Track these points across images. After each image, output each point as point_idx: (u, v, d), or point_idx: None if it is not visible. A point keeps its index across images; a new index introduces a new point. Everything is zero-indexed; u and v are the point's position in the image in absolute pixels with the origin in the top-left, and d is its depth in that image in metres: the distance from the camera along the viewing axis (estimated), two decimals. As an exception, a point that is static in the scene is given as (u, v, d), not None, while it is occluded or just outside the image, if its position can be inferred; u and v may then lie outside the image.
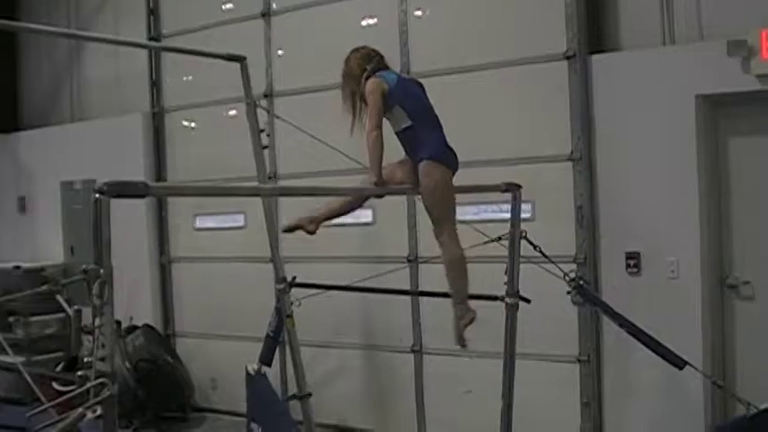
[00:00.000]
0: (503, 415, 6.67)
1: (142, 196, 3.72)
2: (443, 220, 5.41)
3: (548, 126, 7.97)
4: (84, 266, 3.48)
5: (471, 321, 5.62)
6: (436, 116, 5.50)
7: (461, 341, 5.72)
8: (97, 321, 3.44)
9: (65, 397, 3.59)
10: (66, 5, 12.20)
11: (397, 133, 5.41)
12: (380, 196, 5.50)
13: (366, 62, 5.57)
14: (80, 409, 3.34)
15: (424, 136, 5.31)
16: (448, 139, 5.50)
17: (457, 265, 5.50)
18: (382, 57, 5.72)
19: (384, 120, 5.37)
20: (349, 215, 9.03)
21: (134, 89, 11.21)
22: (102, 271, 3.42)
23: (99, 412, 3.41)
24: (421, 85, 5.66)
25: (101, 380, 3.39)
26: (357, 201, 5.69)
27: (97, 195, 3.44)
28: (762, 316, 7.34)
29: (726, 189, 7.49)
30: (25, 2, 12.85)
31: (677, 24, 7.57)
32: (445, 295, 7.42)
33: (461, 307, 5.59)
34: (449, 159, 5.34)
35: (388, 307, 8.79)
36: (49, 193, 12.04)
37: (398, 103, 5.32)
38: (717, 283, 7.50)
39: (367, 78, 5.45)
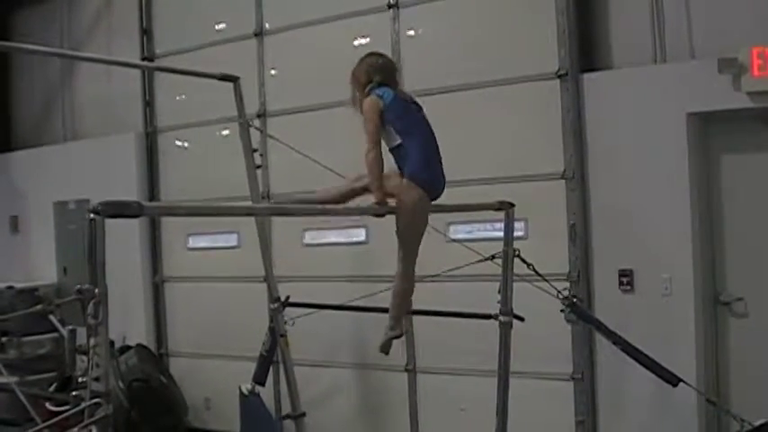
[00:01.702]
0: (497, 433, 6.68)
1: (137, 216, 3.73)
2: (405, 241, 5.43)
3: (540, 144, 7.99)
4: (78, 286, 3.49)
5: (398, 336, 5.75)
6: (428, 137, 5.46)
7: (384, 348, 5.78)
8: (92, 341, 3.44)
9: (60, 417, 3.59)
10: (58, 25, 12.21)
11: (390, 150, 5.40)
12: (382, 216, 5.48)
13: (375, 73, 5.51)
14: (75, 430, 3.35)
15: (411, 153, 5.30)
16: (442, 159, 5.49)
17: (403, 287, 5.60)
18: (394, 71, 5.65)
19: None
20: (342, 234, 9.18)
21: (127, 109, 11.20)
22: (96, 291, 3.42)
23: (94, 432, 3.41)
24: (419, 106, 5.62)
25: (96, 400, 3.40)
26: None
27: (92, 215, 3.44)
28: (755, 332, 7.34)
29: (718, 206, 7.51)
30: (17, 22, 12.86)
31: (668, 42, 7.61)
32: (438, 314, 7.49)
33: (392, 321, 5.69)
34: (428, 183, 5.30)
35: (382, 326, 8.75)
36: (42, 212, 12.02)
37: (390, 122, 5.32)
38: (710, 299, 7.51)
39: (367, 94, 5.44)
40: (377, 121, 5.29)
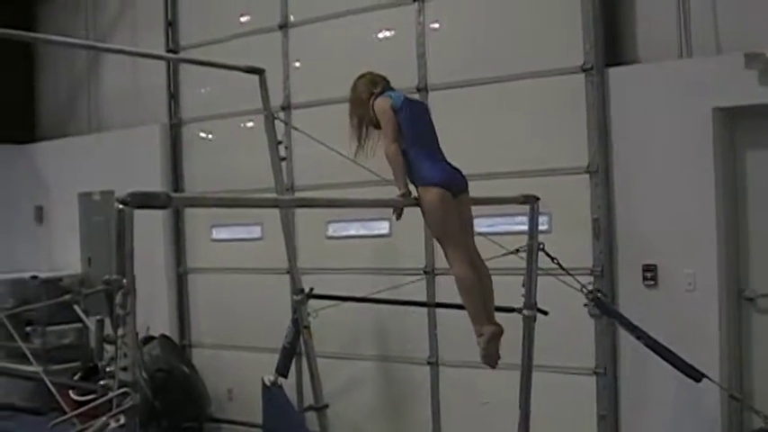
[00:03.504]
0: (520, 427, 6.69)
1: (164, 207, 3.75)
2: (443, 241, 5.43)
3: (564, 138, 7.97)
4: (106, 277, 3.51)
5: (492, 338, 5.48)
6: (434, 142, 5.52)
7: (487, 360, 5.55)
8: (120, 331, 3.47)
9: (88, 406, 3.62)
10: (84, 17, 12.28)
11: None
12: (401, 210, 5.49)
13: (373, 87, 5.65)
14: (103, 419, 3.37)
15: (415, 161, 5.33)
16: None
17: (459, 286, 5.46)
18: (388, 81, 5.76)
19: None
20: (365, 227, 9.19)
21: (152, 101, 11.26)
22: (125, 281, 3.44)
23: (121, 421, 3.43)
24: (426, 108, 5.73)
25: (124, 389, 3.42)
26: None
27: (120, 206, 3.47)
28: (779, 329, 7.33)
29: (743, 201, 7.48)
30: (43, 13, 12.94)
31: (694, 37, 7.57)
32: (460, 307, 7.48)
33: (476, 327, 5.52)
34: (442, 180, 5.30)
35: (405, 319, 8.80)
36: (67, 203, 12.10)
37: (399, 124, 5.37)
38: (734, 295, 7.47)
39: (376, 98, 5.51)
40: (392, 117, 5.36)
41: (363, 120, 5.63)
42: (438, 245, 5.61)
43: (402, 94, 5.57)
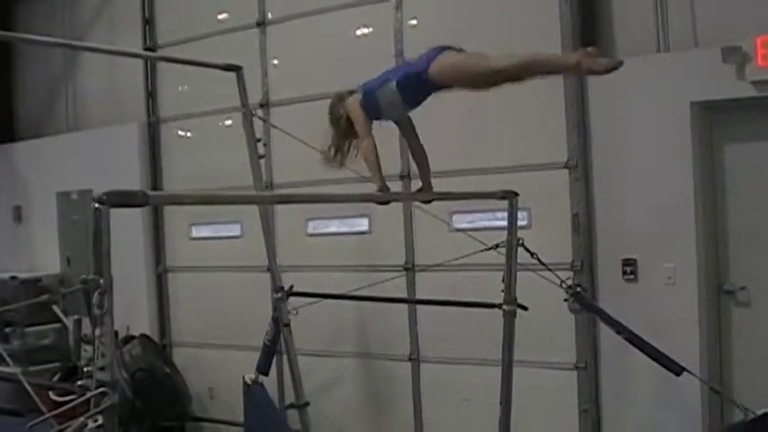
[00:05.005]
0: (501, 423, 6.69)
1: (142, 205, 3.73)
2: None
3: (543, 134, 7.98)
4: (83, 276, 3.49)
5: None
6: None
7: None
8: (97, 331, 3.44)
9: (66, 407, 3.59)
10: (61, 15, 12.20)
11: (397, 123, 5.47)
12: (386, 203, 5.48)
13: (342, 95, 5.63)
14: (81, 419, 3.35)
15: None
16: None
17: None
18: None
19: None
20: (345, 224, 9.18)
21: (130, 99, 11.20)
22: (101, 281, 3.42)
23: (100, 422, 3.41)
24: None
25: (102, 389, 3.40)
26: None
27: (97, 205, 3.44)
28: (758, 321, 7.34)
29: (721, 195, 7.50)
30: (20, 12, 12.84)
31: (672, 31, 7.58)
32: (441, 303, 7.50)
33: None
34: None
35: (385, 315, 8.79)
36: (45, 203, 12.03)
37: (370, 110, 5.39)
38: (713, 288, 7.50)
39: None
40: (360, 112, 5.38)
41: (346, 135, 5.59)
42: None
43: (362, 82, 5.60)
